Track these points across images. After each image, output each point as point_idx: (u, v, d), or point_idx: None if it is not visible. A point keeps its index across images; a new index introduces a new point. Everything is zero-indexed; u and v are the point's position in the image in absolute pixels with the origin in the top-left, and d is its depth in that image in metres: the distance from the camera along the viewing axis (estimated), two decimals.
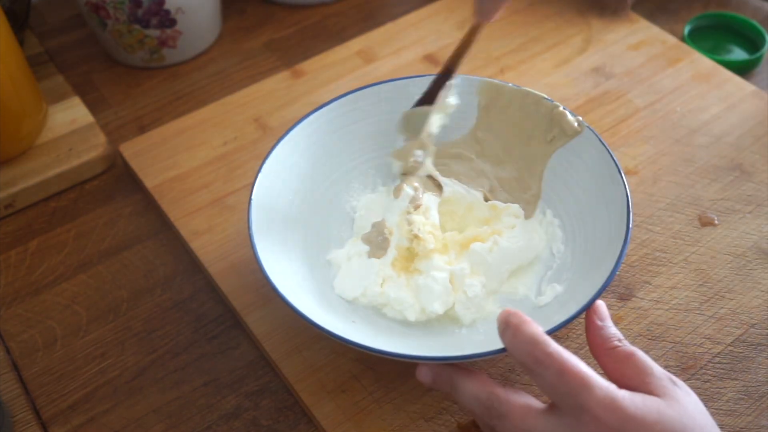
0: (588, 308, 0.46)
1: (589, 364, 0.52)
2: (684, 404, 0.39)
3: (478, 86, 0.60)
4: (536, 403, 0.41)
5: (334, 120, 0.59)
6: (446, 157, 0.61)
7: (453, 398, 0.45)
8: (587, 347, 0.53)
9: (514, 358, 0.40)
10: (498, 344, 0.43)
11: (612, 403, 0.37)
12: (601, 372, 0.43)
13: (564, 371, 0.38)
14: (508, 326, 0.40)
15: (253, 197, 0.53)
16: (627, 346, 0.43)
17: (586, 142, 0.56)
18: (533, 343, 0.39)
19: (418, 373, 0.45)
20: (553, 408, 0.40)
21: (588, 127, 0.55)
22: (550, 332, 0.45)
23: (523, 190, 0.59)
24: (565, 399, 0.38)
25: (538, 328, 0.40)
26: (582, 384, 0.38)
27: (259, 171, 0.55)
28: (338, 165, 0.60)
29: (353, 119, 0.60)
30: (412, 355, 0.46)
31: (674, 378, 0.41)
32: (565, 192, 0.57)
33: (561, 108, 0.57)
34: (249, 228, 0.51)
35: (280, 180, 0.56)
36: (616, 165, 0.53)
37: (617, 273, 0.49)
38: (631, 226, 0.49)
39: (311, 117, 0.58)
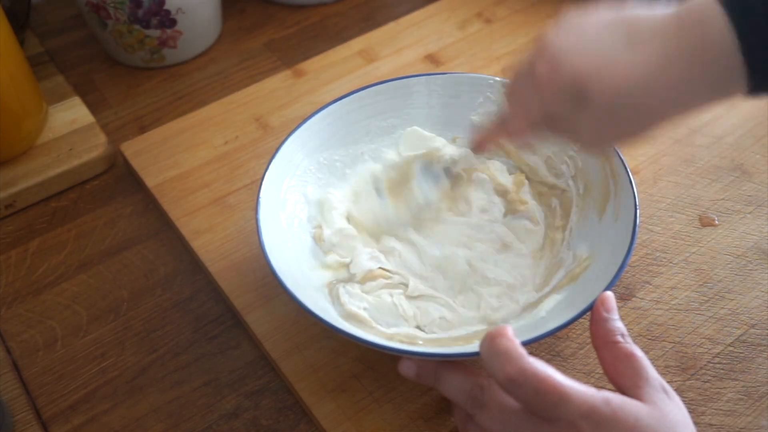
0: (595, 301, 0.45)
1: (587, 363, 0.52)
2: (666, 414, 0.39)
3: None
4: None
5: (343, 117, 0.60)
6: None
7: (437, 390, 0.45)
8: (587, 347, 0.53)
9: (488, 373, 0.40)
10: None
11: (589, 411, 0.37)
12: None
13: (539, 390, 0.37)
14: (485, 336, 0.40)
15: (261, 194, 0.53)
16: (629, 344, 0.43)
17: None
18: (506, 358, 0.38)
19: (401, 366, 0.46)
20: None
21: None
22: (549, 334, 0.45)
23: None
24: (543, 413, 0.38)
25: (513, 342, 0.39)
26: (559, 399, 0.37)
27: (267, 168, 0.55)
28: (344, 162, 0.61)
29: (359, 117, 0.61)
30: (413, 351, 0.46)
31: (668, 388, 0.41)
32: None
33: None
34: (257, 223, 0.51)
35: (286, 177, 0.57)
36: (630, 180, 0.53)
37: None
38: (635, 241, 0.49)
39: (322, 113, 0.59)
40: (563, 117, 0.44)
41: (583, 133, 0.44)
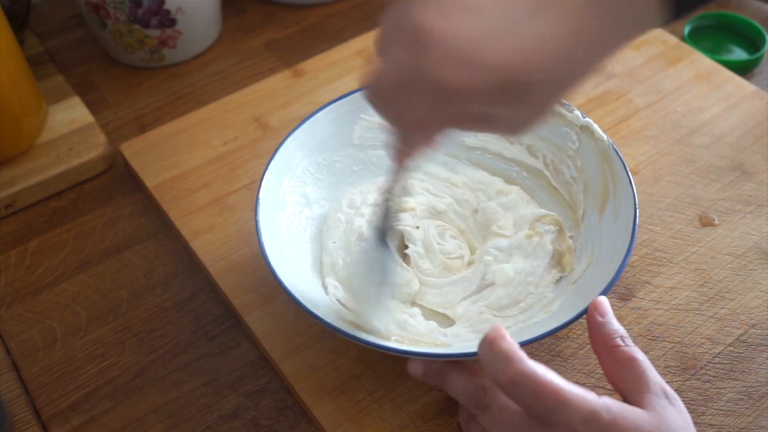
0: (589, 306, 0.45)
1: (587, 364, 0.52)
2: (667, 420, 0.39)
3: None
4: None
5: (343, 117, 0.60)
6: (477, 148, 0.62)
7: (443, 389, 0.45)
8: (587, 347, 0.53)
9: (488, 375, 0.40)
10: None
11: (589, 417, 0.37)
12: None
13: (539, 392, 0.37)
14: (485, 339, 0.40)
15: (260, 195, 0.53)
16: (630, 347, 0.43)
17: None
18: (507, 360, 0.38)
19: (410, 366, 0.46)
20: None
21: (611, 142, 0.55)
22: (549, 334, 0.45)
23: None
24: (543, 417, 0.38)
25: (513, 345, 0.39)
26: (559, 402, 0.37)
27: (266, 169, 0.55)
28: (344, 164, 0.61)
29: (359, 118, 0.60)
30: (414, 351, 0.47)
31: (670, 392, 0.41)
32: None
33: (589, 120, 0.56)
34: (257, 223, 0.51)
35: (285, 178, 0.57)
36: (630, 180, 0.52)
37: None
38: (635, 241, 0.49)
39: (321, 113, 0.59)
40: (485, 116, 0.37)
41: (511, 122, 0.38)
